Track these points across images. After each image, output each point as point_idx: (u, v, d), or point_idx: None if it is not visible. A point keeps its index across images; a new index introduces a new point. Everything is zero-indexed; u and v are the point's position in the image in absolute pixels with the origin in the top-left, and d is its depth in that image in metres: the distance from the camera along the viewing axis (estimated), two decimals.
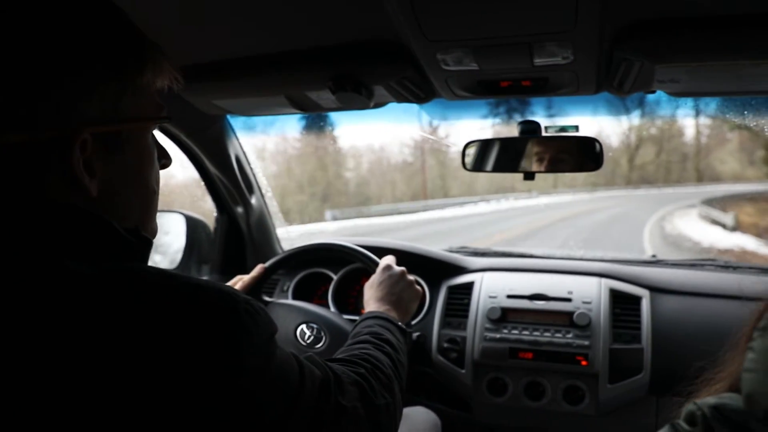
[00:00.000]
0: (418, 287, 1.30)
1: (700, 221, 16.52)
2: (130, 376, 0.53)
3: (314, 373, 0.73)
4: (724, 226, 14.28)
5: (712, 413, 0.58)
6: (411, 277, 1.30)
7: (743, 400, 0.56)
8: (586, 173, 1.55)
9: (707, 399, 0.61)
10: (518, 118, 1.57)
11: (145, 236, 0.71)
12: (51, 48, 0.61)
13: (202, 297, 0.60)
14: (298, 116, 1.78)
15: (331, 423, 0.70)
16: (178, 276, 0.62)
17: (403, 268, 1.31)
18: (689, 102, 1.77)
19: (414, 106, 1.55)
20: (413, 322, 1.84)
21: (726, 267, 1.89)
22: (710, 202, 20.37)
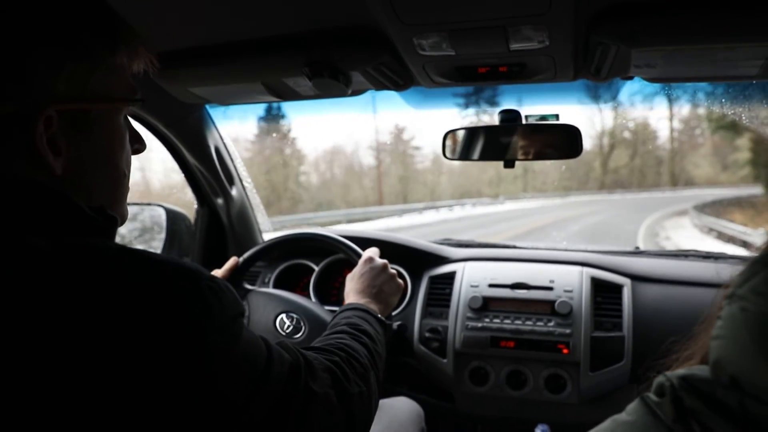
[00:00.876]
0: (400, 281, 1.30)
1: (706, 237, 12.73)
2: (86, 352, 0.51)
3: (283, 356, 0.71)
4: (744, 244, 10.41)
5: (680, 383, 0.57)
6: (393, 271, 1.29)
7: (710, 368, 0.56)
8: (558, 177, 1.55)
9: (676, 371, 0.61)
10: (484, 115, 1.57)
11: (110, 214, 0.70)
12: (16, 21, 0.59)
13: (162, 273, 0.58)
14: (251, 117, 1.77)
15: (300, 407, 0.69)
16: (139, 252, 0.60)
17: (384, 261, 1.31)
18: (663, 103, 1.78)
19: (377, 108, 1.54)
20: (393, 314, 1.83)
21: (707, 257, 1.90)
22: (703, 209, 17.35)
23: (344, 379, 0.77)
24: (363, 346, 0.91)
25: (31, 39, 0.60)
